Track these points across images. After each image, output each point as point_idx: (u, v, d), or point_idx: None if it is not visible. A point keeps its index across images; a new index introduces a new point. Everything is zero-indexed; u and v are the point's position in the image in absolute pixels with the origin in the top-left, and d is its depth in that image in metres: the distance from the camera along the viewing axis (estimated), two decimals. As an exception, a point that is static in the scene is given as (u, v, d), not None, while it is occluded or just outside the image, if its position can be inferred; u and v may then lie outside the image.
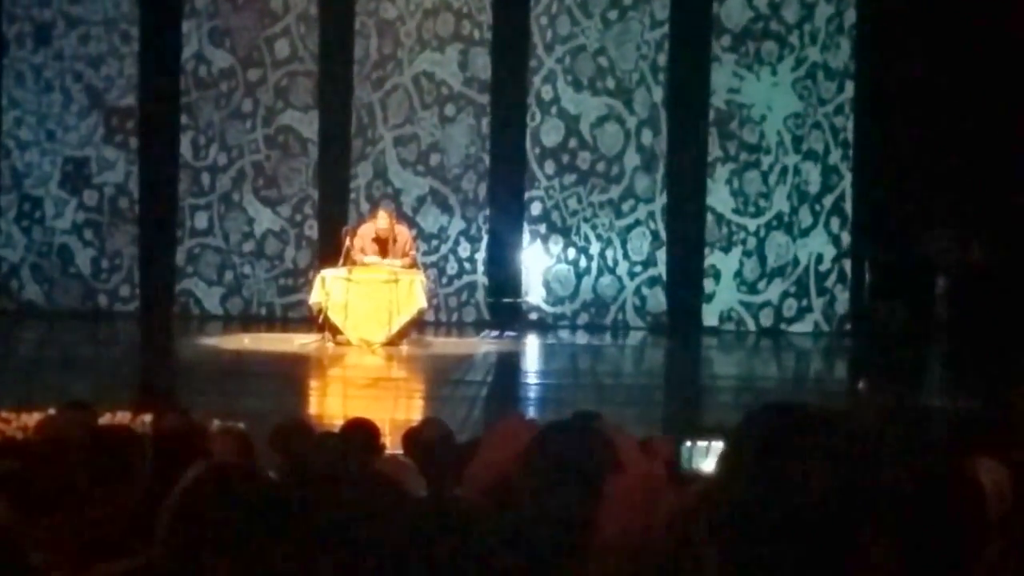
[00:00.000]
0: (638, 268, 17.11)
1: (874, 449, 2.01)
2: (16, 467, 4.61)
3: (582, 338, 16.77)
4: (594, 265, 17.19)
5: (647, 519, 2.73)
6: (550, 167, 17.22)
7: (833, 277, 16.81)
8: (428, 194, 17.34)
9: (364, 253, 14.81)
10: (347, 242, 14.74)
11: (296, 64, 17.47)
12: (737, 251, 16.95)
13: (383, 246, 14.88)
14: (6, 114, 17.66)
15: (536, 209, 17.29)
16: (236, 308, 17.52)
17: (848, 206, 16.75)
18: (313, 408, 11.90)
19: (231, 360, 14.36)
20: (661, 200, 17.05)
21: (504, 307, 17.23)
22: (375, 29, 17.34)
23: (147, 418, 7.93)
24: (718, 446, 2.41)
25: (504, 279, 17.31)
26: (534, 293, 17.29)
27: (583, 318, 17.22)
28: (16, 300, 17.61)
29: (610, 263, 17.16)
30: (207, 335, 15.92)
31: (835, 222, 16.79)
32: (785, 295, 16.91)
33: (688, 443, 2.81)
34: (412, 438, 6.04)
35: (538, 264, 17.27)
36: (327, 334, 14.68)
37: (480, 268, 17.31)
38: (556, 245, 17.24)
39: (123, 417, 8.51)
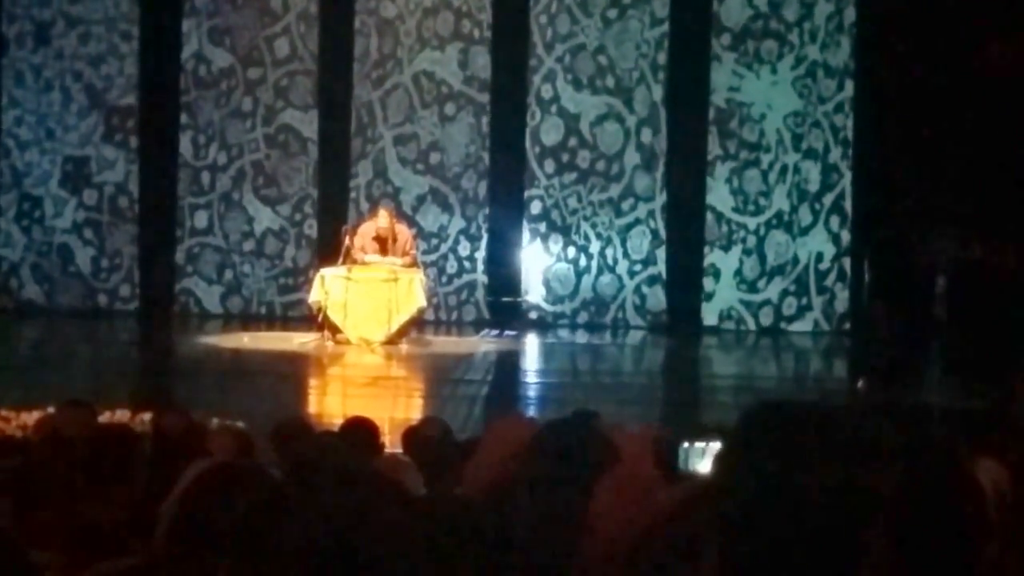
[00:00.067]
0: (638, 267, 17.11)
1: (872, 447, 2.01)
2: (16, 465, 4.61)
3: (582, 337, 16.77)
4: (594, 264, 17.19)
5: (642, 517, 2.73)
6: (550, 166, 17.22)
7: (833, 276, 16.81)
8: (428, 193, 17.34)
9: (364, 252, 14.81)
10: (347, 241, 14.74)
11: (296, 63, 17.47)
12: (737, 250, 16.95)
13: (383, 245, 14.89)
14: (6, 113, 17.66)
15: (536, 208, 17.29)
16: (236, 307, 17.52)
17: (848, 204, 16.76)
18: (312, 407, 11.90)
19: (230, 359, 14.36)
20: (661, 199, 17.05)
21: (504, 306, 17.23)
22: (375, 28, 17.34)
23: (146, 417, 7.93)
24: (715, 447, 2.41)
25: (504, 278, 17.31)
26: (534, 292, 17.29)
27: (583, 317, 17.22)
28: (16, 299, 17.60)
29: (610, 262, 17.16)
30: (207, 334, 15.92)
31: (835, 220, 16.79)
32: (785, 294, 16.91)
33: (685, 444, 2.81)
34: (412, 437, 6.04)
35: (538, 263, 17.27)
36: (326, 333, 14.67)
37: (480, 267, 17.31)
38: (556, 244, 17.24)
39: (122, 416, 8.52)
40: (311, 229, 17.41)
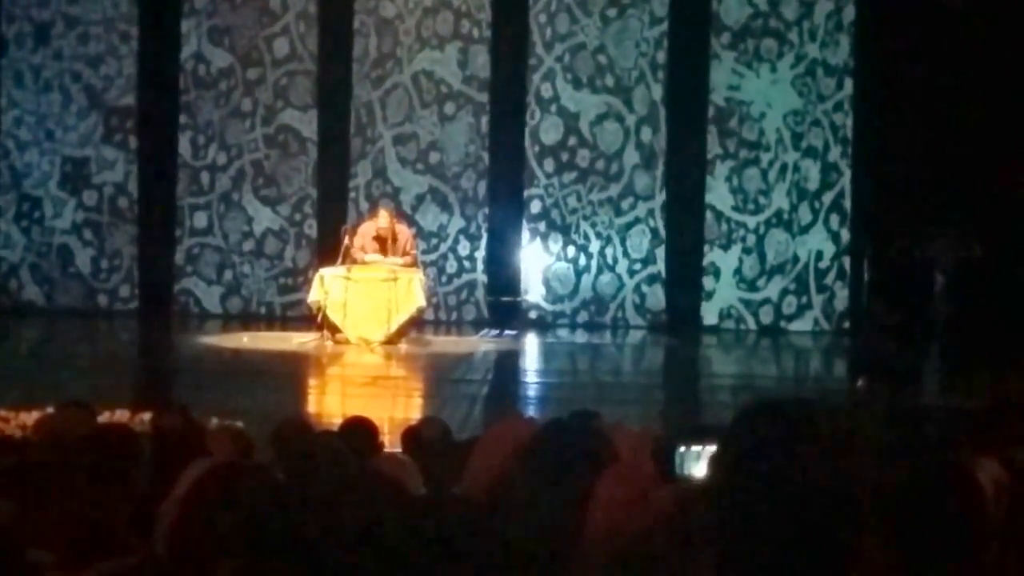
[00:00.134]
0: (637, 266, 17.10)
1: (867, 445, 2.00)
2: (15, 465, 4.60)
3: (582, 336, 16.76)
4: (594, 263, 17.19)
5: (639, 517, 2.73)
6: (549, 165, 17.21)
7: (833, 274, 16.81)
8: (427, 192, 17.33)
9: (364, 251, 14.81)
10: (346, 241, 14.74)
11: (295, 63, 17.46)
12: (737, 248, 16.94)
13: (383, 245, 14.88)
14: (5, 114, 17.65)
15: (535, 207, 17.28)
16: (235, 307, 17.52)
17: (847, 203, 16.75)
18: (312, 407, 11.90)
19: (230, 359, 14.36)
20: (660, 198, 17.05)
21: (503, 305, 17.23)
22: (374, 28, 17.34)
23: (146, 417, 7.93)
24: (711, 451, 2.40)
25: (504, 277, 17.31)
26: (534, 291, 17.29)
27: (583, 316, 17.22)
28: (16, 300, 17.59)
29: (610, 261, 17.16)
30: (206, 334, 15.92)
31: (835, 219, 16.79)
32: (785, 292, 16.90)
33: (681, 448, 2.81)
34: (411, 436, 6.05)
35: (538, 262, 17.27)
36: (326, 333, 14.67)
37: (479, 266, 17.30)
38: (555, 243, 17.23)
39: (122, 416, 8.51)
40: (311, 229, 17.41)
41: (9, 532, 3.50)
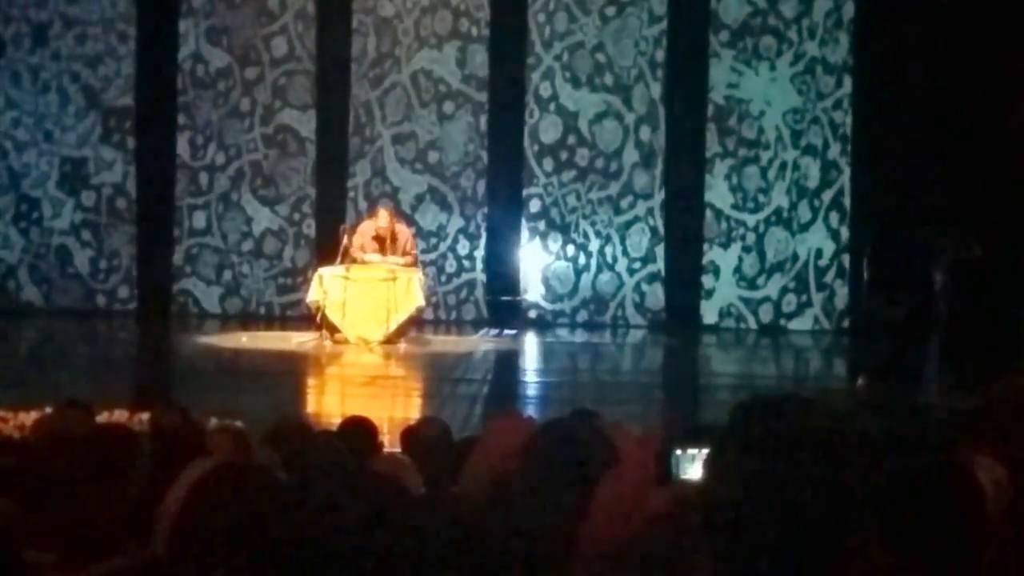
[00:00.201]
0: (637, 265, 17.10)
1: (867, 444, 1.99)
2: (13, 465, 4.59)
3: (581, 336, 16.76)
4: (593, 262, 17.19)
5: (637, 518, 2.72)
6: (549, 164, 17.21)
7: (832, 272, 16.80)
8: (426, 192, 17.33)
9: (364, 251, 14.80)
10: (345, 240, 14.73)
11: (294, 63, 17.46)
12: (736, 247, 16.94)
13: (383, 244, 14.88)
14: (3, 115, 17.64)
15: (535, 206, 17.28)
16: (235, 307, 17.52)
17: (847, 201, 16.75)
18: (311, 406, 11.90)
19: (229, 359, 14.35)
20: (660, 196, 17.05)
21: (503, 305, 17.22)
22: (373, 27, 17.33)
23: (145, 417, 7.92)
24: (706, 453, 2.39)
25: (503, 276, 17.31)
26: (533, 290, 17.28)
27: (582, 315, 17.22)
28: (15, 301, 17.59)
29: (609, 260, 17.15)
30: (205, 334, 15.91)
31: (834, 217, 16.78)
32: (784, 290, 16.90)
33: (678, 451, 2.81)
34: (410, 436, 6.04)
35: (537, 261, 17.27)
36: (325, 332, 14.67)
37: (479, 266, 17.30)
38: (555, 242, 17.23)
39: (121, 416, 8.51)
40: (309, 229, 17.41)
41: (7, 532, 3.49)
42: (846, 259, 16.75)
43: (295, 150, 17.46)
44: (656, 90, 17.00)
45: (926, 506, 2.87)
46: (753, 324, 16.93)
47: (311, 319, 15.01)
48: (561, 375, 14.46)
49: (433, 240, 17.20)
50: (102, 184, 17.60)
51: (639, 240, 17.09)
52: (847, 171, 16.75)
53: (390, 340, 14.55)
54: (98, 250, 17.60)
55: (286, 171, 17.48)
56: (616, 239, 17.12)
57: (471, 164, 17.30)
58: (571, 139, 17.17)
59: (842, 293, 16.79)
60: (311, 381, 13.61)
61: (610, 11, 17.06)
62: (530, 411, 10.53)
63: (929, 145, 15.40)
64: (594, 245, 17.16)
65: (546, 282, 17.28)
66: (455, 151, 17.28)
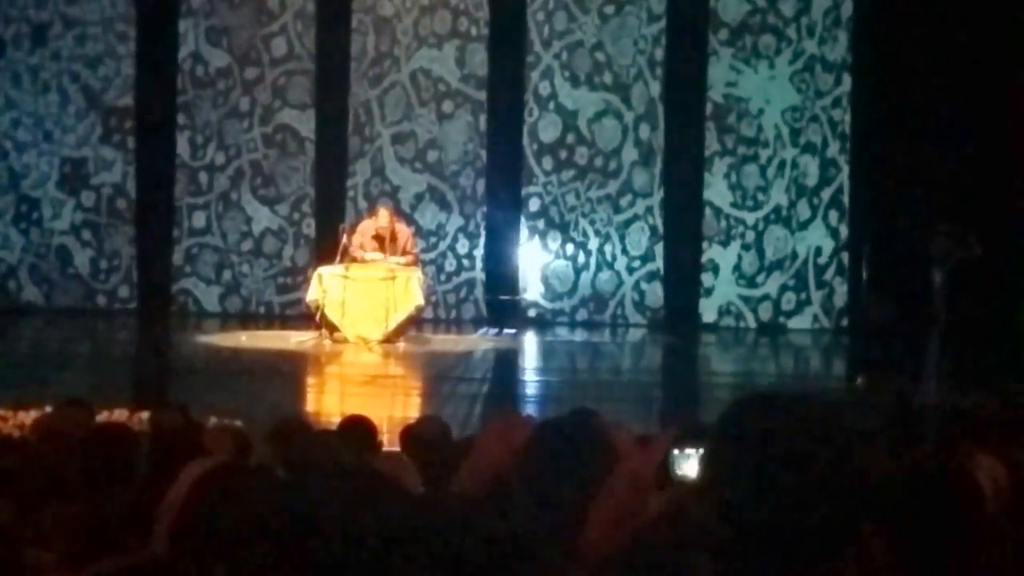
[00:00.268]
0: (636, 263, 17.10)
1: (866, 441, 1.99)
2: (13, 464, 4.60)
3: (581, 335, 16.75)
4: (592, 260, 17.18)
5: (637, 519, 2.72)
6: (548, 163, 17.21)
7: (832, 270, 16.80)
8: (426, 191, 17.33)
9: (364, 250, 14.80)
10: (344, 239, 14.73)
11: (293, 62, 17.45)
12: (736, 245, 16.94)
13: (383, 244, 14.88)
14: (3, 115, 17.64)
15: (534, 205, 17.28)
16: (234, 307, 17.52)
17: (846, 199, 16.74)
18: (311, 405, 11.90)
19: (229, 358, 14.35)
20: (659, 195, 17.04)
21: (502, 304, 17.22)
22: (372, 26, 17.33)
23: (144, 416, 7.93)
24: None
25: (502, 275, 17.30)
26: (532, 289, 17.28)
27: (582, 314, 17.21)
28: (15, 301, 17.59)
29: (608, 258, 17.15)
30: (205, 333, 15.91)
31: (833, 215, 16.78)
32: (784, 288, 16.90)
33: (675, 450, 2.81)
34: (410, 435, 6.04)
35: (536, 260, 17.26)
36: (324, 331, 14.66)
37: (478, 264, 17.30)
38: (554, 241, 17.23)
39: (120, 415, 8.52)
40: (309, 228, 17.41)
41: (7, 531, 3.50)
42: (845, 257, 16.74)
43: (295, 150, 17.46)
44: (655, 89, 17.00)
45: (926, 505, 2.87)
46: (752, 322, 16.93)
47: (311, 318, 15.01)
48: (560, 374, 14.46)
49: (432, 239, 17.20)
50: (102, 184, 17.60)
51: (638, 239, 17.08)
52: (846, 169, 16.74)
53: (389, 339, 14.55)
54: (98, 250, 17.60)
55: (286, 171, 17.48)
56: (615, 238, 17.11)
57: (470, 163, 17.29)
58: (570, 138, 17.17)
59: (841, 291, 16.78)
60: (310, 380, 13.61)
61: (609, 10, 17.06)
62: (529, 410, 10.53)
63: (928, 143, 15.39)
64: (593, 244, 17.16)
65: (545, 281, 17.28)
66: (454, 150, 17.28)
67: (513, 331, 16.64)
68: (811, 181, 16.81)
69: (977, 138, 15.16)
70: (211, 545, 2.81)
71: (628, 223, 17.10)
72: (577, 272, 17.22)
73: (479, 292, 17.30)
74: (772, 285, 16.91)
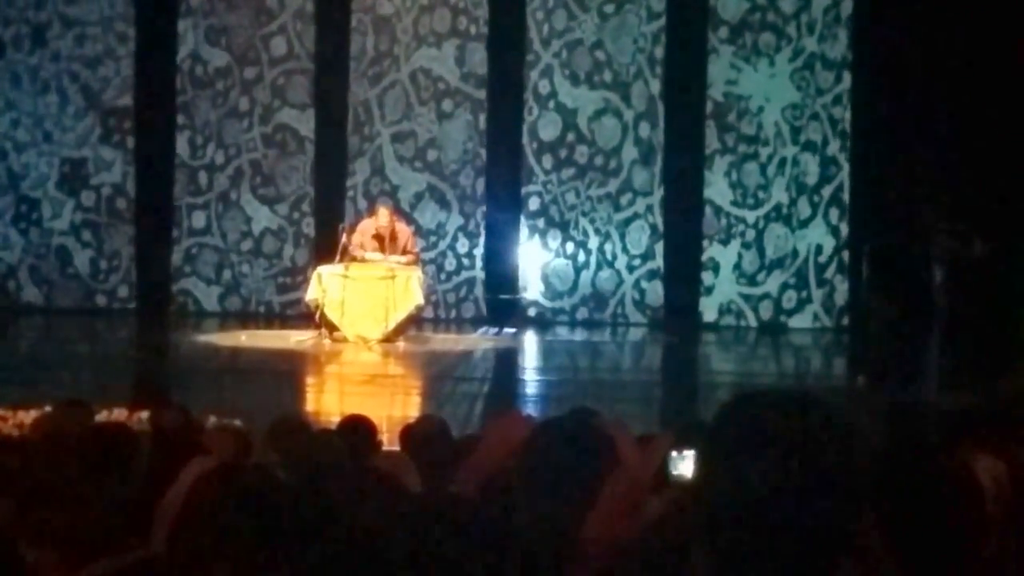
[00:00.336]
0: (636, 262, 17.09)
1: (864, 439, 1.98)
2: (12, 464, 4.59)
3: (581, 334, 16.75)
4: (592, 259, 17.18)
5: (637, 519, 2.72)
6: (548, 161, 17.20)
7: (832, 268, 16.79)
8: (426, 190, 17.33)
9: (364, 249, 14.80)
10: (344, 238, 14.73)
11: (292, 62, 17.45)
12: (736, 243, 16.93)
13: (383, 243, 14.87)
14: (3, 116, 17.64)
15: (534, 204, 17.28)
16: (234, 307, 17.52)
17: (847, 197, 16.73)
18: (310, 405, 11.89)
19: (228, 357, 14.35)
20: (659, 193, 17.04)
21: (502, 303, 17.22)
22: (371, 26, 17.32)
23: (144, 415, 7.92)
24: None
25: (502, 274, 17.30)
26: (532, 288, 17.28)
27: (582, 313, 17.21)
28: (15, 301, 17.58)
29: (609, 257, 17.15)
30: (204, 332, 15.91)
31: (834, 213, 16.77)
32: (784, 287, 16.89)
33: (674, 453, 2.81)
34: (409, 434, 6.03)
35: (536, 259, 17.26)
36: (324, 331, 14.66)
37: (478, 264, 17.30)
38: (554, 240, 17.23)
39: (120, 414, 8.51)
40: (309, 228, 17.41)
41: (7, 531, 3.49)
42: (846, 255, 16.73)
43: (294, 149, 17.46)
44: (655, 87, 17.00)
45: (926, 505, 2.86)
46: (753, 321, 16.93)
47: (310, 318, 15.00)
48: (560, 373, 14.45)
49: (432, 238, 17.19)
50: (101, 184, 17.60)
51: (638, 237, 17.08)
52: (846, 167, 16.74)
53: (389, 338, 14.54)
54: (98, 250, 17.60)
55: (285, 170, 17.47)
56: (615, 236, 17.11)
57: (470, 162, 17.29)
58: (570, 136, 17.17)
59: (842, 289, 16.77)
60: (310, 380, 13.61)
61: (609, 8, 17.05)
62: (529, 410, 10.53)
63: (929, 140, 15.38)
64: (593, 242, 17.16)
65: (545, 280, 17.28)
66: (454, 149, 17.28)
67: (513, 330, 16.64)
68: (811, 179, 16.81)
69: (978, 136, 15.14)
70: (211, 544, 2.81)
71: (628, 222, 17.10)
72: (577, 271, 17.21)
73: (479, 291, 17.30)
74: (772, 284, 16.91)
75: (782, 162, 16.82)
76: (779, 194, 16.84)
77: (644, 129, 17.04)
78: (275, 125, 17.47)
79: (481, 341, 16.04)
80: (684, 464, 2.85)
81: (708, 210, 16.95)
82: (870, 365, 13.40)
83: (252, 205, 17.50)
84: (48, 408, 6.82)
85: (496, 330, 16.61)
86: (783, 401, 1.96)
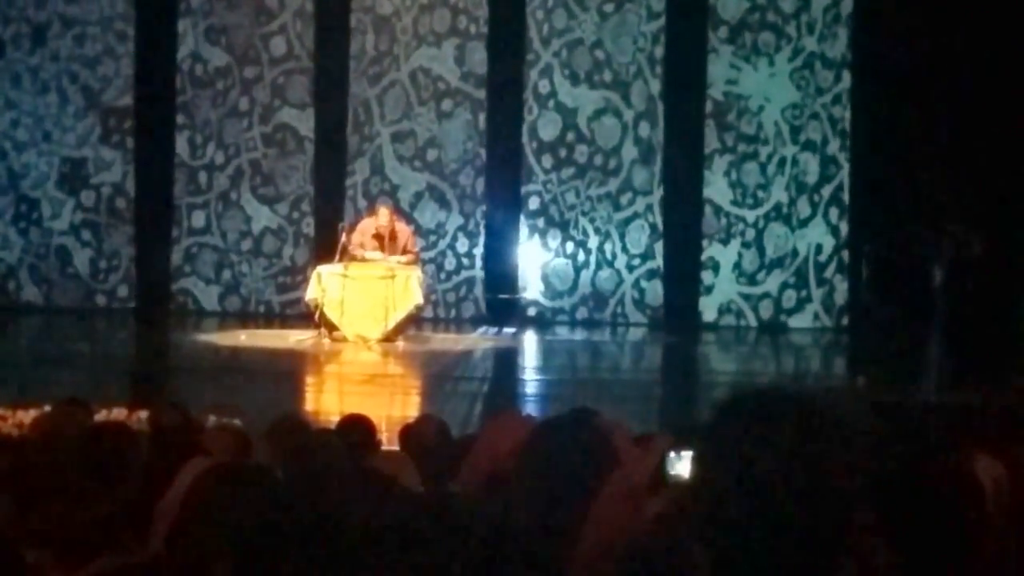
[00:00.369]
0: (636, 261, 17.09)
1: (862, 438, 1.98)
2: (12, 463, 4.59)
3: (581, 333, 16.74)
4: (592, 259, 17.17)
5: (636, 519, 2.72)
6: (547, 161, 17.20)
7: (832, 268, 16.79)
8: (425, 190, 17.32)
9: (364, 249, 14.79)
10: (343, 238, 14.72)
11: (292, 61, 17.44)
12: (736, 243, 16.93)
13: (382, 243, 14.86)
14: (2, 116, 17.62)
15: (534, 203, 17.27)
16: (234, 306, 17.50)
17: (846, 196, 16.73)
18: (309, 404, 11.89)
19: (228, 357, 14.34)
20: (659, 193, 17.03)
21: (502, 303, 17.21)
22: (371, 25, 17.31)
23: (143, 415, 7.91)
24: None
25: (502, 274, 17.29)
26: (532, 288, 17.27)
27: (582, 312, 17.20)
28: (14, 301, 17.57)
29: (608, 256, 17.14)
30: (204, 332, 15.90)
31: (834, 212, 16.77)
32: (784, 286, 16.89)
33: (672, 453, 2.80)
34: (408, 434, 6.03)
35: (536, 259, 17.25)
36: (323, 330, 14.66)
37: (478, 263, 17.29)
38: (554, 239, 17.22)
39: (119, 414, 8.50)
40: (309, 227, 17.40)
41: (5, 531, 3.49)
42: (846, 255, 16.73)
43: (294, 149, 17.45)
44: (655, 86, 16.99)
45: (926, 505, 2.86)
46: (753, 320, 16.92)
47: (310, 317, 15.00)
48: (560, 373, 14.44)
49: (432, 238, 17.18)
50: (101, 184, 17.59)
51: (638, 237, 17.07)
52: (846, 166, 16.74)
53: (388, 338, 14.54)
54: (98, 250, 17.59)
55: (285, 170, 17.46)
56: (615, 236, 17.10)
57: (470, 161, 17.28)
58: (570, 136, 17.16)
59: (842, 289, 16.78)
60: (309, 379, 13.60)
61: (608, 7, 17.04)
62: (529, 410, 10.52)
63: (928, 140, 15.38)
64: (593, 242, 17.15)
65: (545, 279, 17.27)
66: (454, 149, 17.27)
67: (513, 330, 16.63)
68: (811, 178, 16.81)
69: (978, 135, 15.14)
70: (210, 544, 2.81)
71: (628, 221, 17.09)
72: (577, 270, 17.21)
73: (479, 291, 17.29)
74: (772, 283, 16.90)
75: (782, 161, 16.81)
76: (779, 193, 16.84)
77: (644, 128, 17.03)
78: (275, 125, 17.46)
79: (481, 341, 16.03)
80: (681, 464, 2.84)
81: (708, 210, 16.95)
82: (870, 365, 13.40)
83: (252, 205, 17.49)
84: (47, 408, 6.81)
85: (496, 330, 16.60)
86: (779, 400, 1.96)
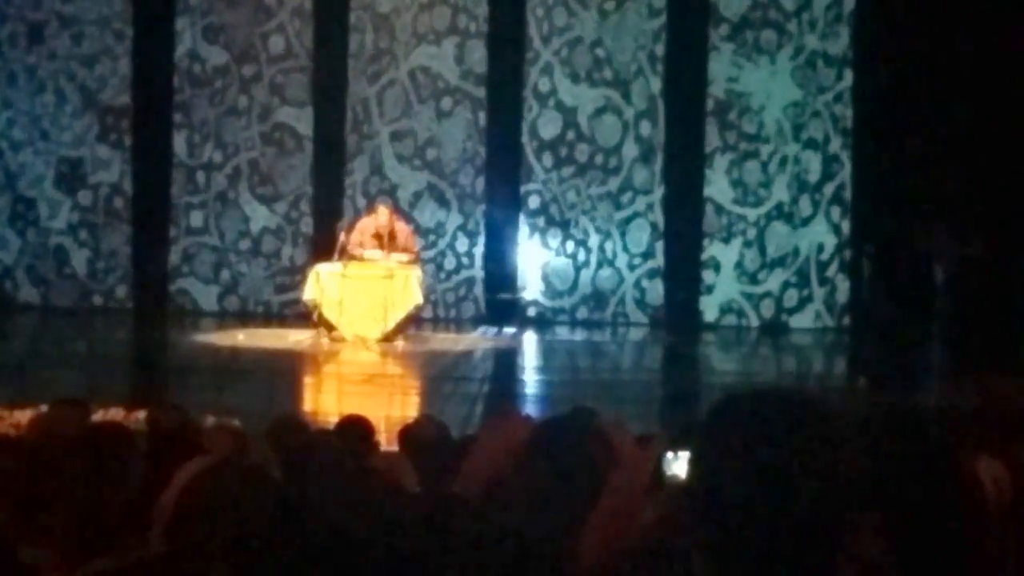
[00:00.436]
0: (637, 260, 17.07)
1: (861, 438, 1.95)
2: (9, 464, 4.57)
3: (581, 333, 16.72)
4: (593, 258, 17.16)
5: (636, 520, 2.70)
6: (548, 160, 17.18)
7: (834, 266, 16.78)
8: (425, 189, 17.30)
9: (364, 248, 14.77)
10: (342, 237, 14.70)
11: (291, 60, 17.42)
12: (737, 242, 16.92)
13: (382, 242, 14.84)
14: (-1, 115, 17.63)
15: (534, 202, 17.25)
16: (232, 306, 17.49)
17: (848, 195, 16.72)
18: (308, 404, 11.88)
19: (226, 357, 14.33)
20: (660, 191, 17.02)
21: (502, 302, 17.19)
22: (370, 23, 17.30)
23: (141, 415, 7.89)
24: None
25: (502, 273, 17.28)
26: (532, 287, 17.25)
27: (582, 312, 17.19)
28: (12, 301, 17.56)
29: (609, 256, 17.13)
30: (202, 332, 15.89)
31: (835, 211, 16.76)
32: (786, 285, 16.88)
33: (669, 454, 2.79)
34: (407, 435, 6.01)
35: (536, 258, 17.24)
36: (322, 330, 14.64)
37: (478, 263, 17.28)
38: (554, 238, 17.21)
39: (116, 414, 8.49)
40: (307, 227, 17.38)
41: (4, 531, 3.47)
42: (847, 254, 16.72)
43: (293, 148, 17.43)
44: (656, 85, 16.98)
45: (926, 505, 2.84)
46: (754, 320, 16.91)
47: (309, 317, 14.98)
48: (560, 373, 14.43)
49: (432, 237, 17.17)
50: (99, 183, 17.57)
51: (639, 236, 17.06)
52: (848, 165, 16.73)
53: (388, 338, 14.52)
54: (95, 250, 17.58)
55: (284, 169, 17.45)
56: (616, 235, 17.09)
57: (470, 160, 17.27)
58: (570, 135, 17.15)
59: (843, 287, 16.77)
60: (308, 379, 13.59)
61: (609, 6, 17.03)
62: (529, 410, 10.50)
63: (930, 138, 15.37)
64: (594, 241, 17.13)
65: (545, 279, 17.25)
66: (453, 147, 17.25)
67: (513, 330, 16.62)
68: (813, 177, 16.80)
69: (980, 134, 15.13)
70: (208, 544, 2.79)
71: (628, 220, 17.07)
72: (577, 270, 17.19)
73: (479, 290, 17.28)
74: (774, 282, 16.89)
75: (783, 160, 16.80)
76: (780, 192, 16.83)
77: (645, 127, 17.02)
78: (273, 124, 17.44)
79: (481, 341, 16.01)
80: (678, 465, 2.83)
81: (709, 208, 16.94)
82: (870, 365, 13.40)
83: (250, 204, 17.48)
84: (45, 408, 6.78)
85: (496, 330, 16.58)
86: (776, 400, 1.94)
